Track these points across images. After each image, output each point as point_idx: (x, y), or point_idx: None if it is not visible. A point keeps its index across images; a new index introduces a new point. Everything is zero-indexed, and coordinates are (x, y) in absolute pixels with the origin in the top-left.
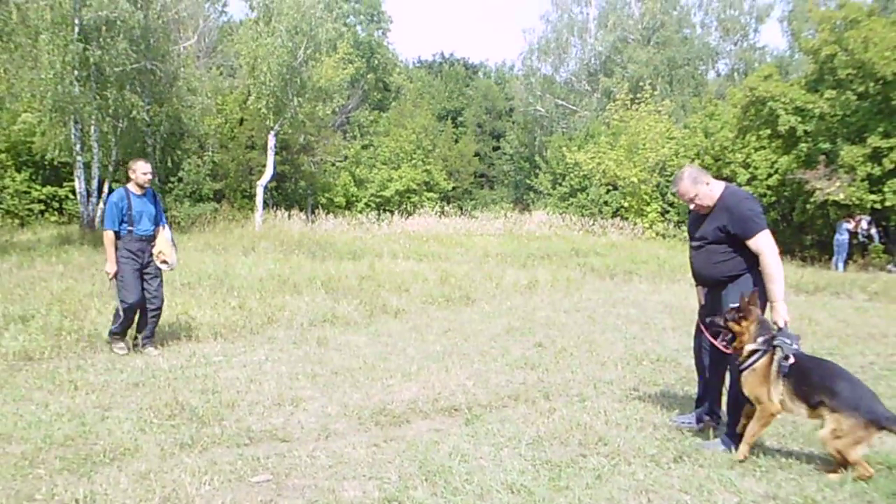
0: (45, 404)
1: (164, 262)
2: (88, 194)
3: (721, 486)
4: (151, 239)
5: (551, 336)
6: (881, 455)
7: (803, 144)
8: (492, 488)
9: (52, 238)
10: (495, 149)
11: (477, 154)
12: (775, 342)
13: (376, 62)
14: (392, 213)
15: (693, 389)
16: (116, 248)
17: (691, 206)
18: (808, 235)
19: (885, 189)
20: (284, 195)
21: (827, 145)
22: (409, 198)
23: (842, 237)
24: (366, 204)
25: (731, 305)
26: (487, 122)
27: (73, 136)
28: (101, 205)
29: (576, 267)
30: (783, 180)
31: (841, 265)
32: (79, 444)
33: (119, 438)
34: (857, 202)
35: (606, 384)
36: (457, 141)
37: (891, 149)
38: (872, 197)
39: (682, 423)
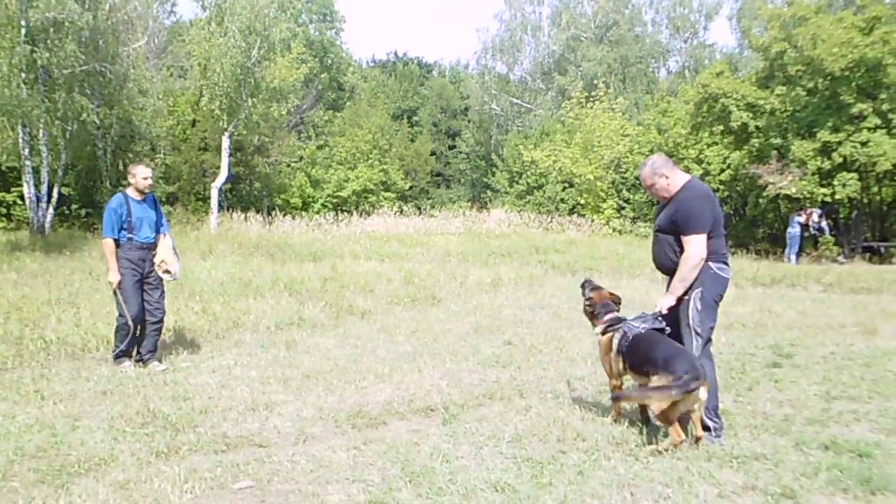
0: (11, 415)
1: (167, 271)
2: (38, 199)
3: (701, 479)
4: (153, 247)
5: (520, 334)
6: (851, 443)
7: (755, 140)
8: (476, 487)
9: (1, 245)
10: (451, 148)
11: (433, 153)
12: (621, 324)
13: (330, 62)
14: (350, 213)
15: None
16: (116, 257)
17: (649, 193)
18: (760, 229)
19: (835, 182)
20: (239, 197)
21: (778, 140)
22: (366, 198)
23: (793, 230)
24: (322, 205)
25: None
26: (443, 121)
27: (20, 141)
28: (50, 210)
29: (537, 264)
30: (736, 175)
31: (794, 258)
32: (51, 455)
33: (92, 448)
34: (808, 196)
35: (578, 380)
36: (413, 140)
37: (840, 143)
38: (823, 190)
39: None
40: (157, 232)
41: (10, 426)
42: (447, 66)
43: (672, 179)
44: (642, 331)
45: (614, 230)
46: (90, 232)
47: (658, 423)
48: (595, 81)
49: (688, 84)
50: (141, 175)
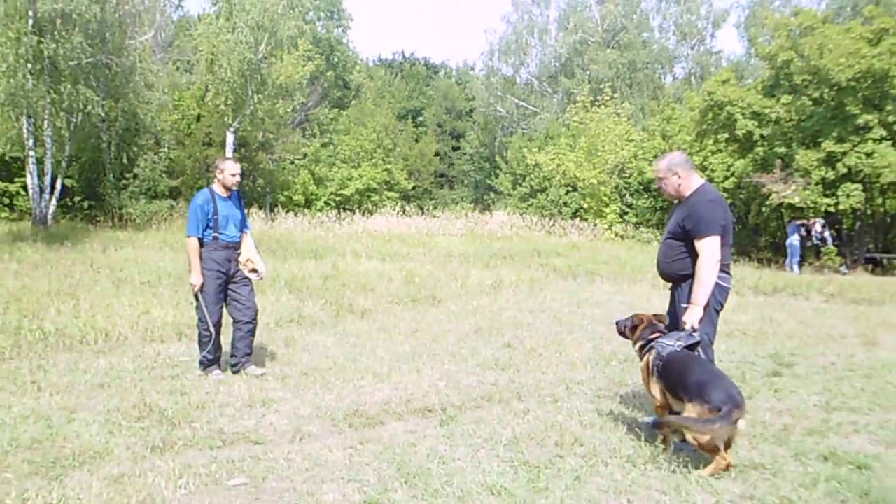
0: (7, 406)
1: (254, 270)
2: (41, 190)
3: (698, 487)
4: (238, 246)
5: (519, 336)
6: (850, 455)
7: (759, 148)
8: (472, 490)
9: (3, 235)
10: (455, 149)
11: (437, 154)
12: (654, 343)
13: (336, 60)
14: (352, 211)
15: None
16: (200, 258)
17: (656, 184)
18: (762, 237)
19: (839, 193)
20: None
21: (782, 149)
22: (369, 197)
23: (792, 240)
24: (325, 202)
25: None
26: (448, 121)
27: (25, 131)
28: (53, 201)
29: (538, 267)
30: (739, 183)
31: (796, 267)
32: (46, 447)
33: (88, 441)
34: (812, 205)
35: (577, 384)
36: (417, 140)
37: (844, 153)
38: (826, 200)
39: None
40: (242, 231)
41: (5, 417)
42: (454, 67)
43: (685, 181)
44: (676, 349)
45: (617, 235)
46: (92, 224)
47: (698, 450)
48: (601, 86)
49: (693, 91)
50: (230, 171)
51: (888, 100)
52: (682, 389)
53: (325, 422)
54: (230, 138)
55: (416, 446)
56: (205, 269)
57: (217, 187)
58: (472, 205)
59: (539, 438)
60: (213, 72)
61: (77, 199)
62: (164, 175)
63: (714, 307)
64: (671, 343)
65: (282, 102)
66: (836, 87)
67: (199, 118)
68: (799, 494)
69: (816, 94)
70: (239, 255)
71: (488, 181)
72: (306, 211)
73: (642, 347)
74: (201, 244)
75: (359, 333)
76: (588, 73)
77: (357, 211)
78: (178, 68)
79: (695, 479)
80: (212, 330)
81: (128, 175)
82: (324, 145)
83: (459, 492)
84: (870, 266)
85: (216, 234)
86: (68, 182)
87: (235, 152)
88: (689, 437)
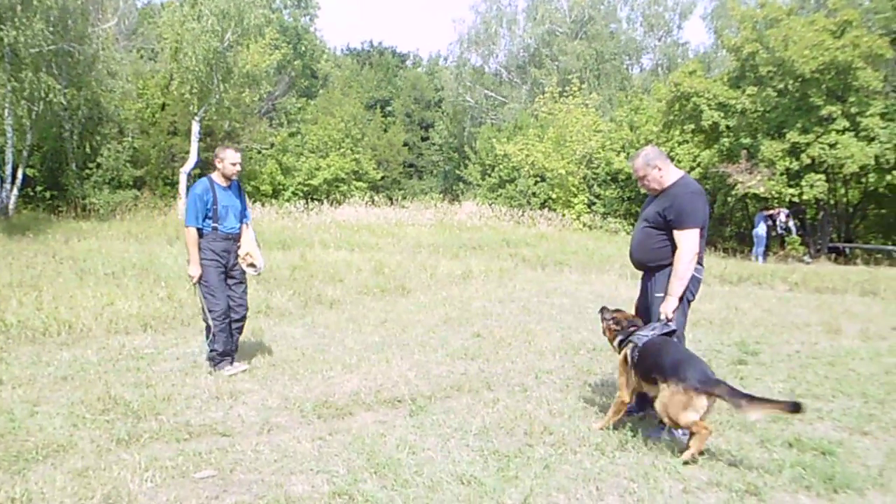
0: None
1: (252, 265)
2: (2, 180)
3: (666, 474)
4: (237, 238)
5: (489, 326)
6: (814, 441)
7: (725, 139)
8: (442, 480)
9: None
10: (424, 139)
11: (406, 144)
12: (631, 336)
13: (303, 49)
14: (321, 202)
15: None
16: (198, 248)
17: (640, 185)
18: (728, 227)
19: (803, 183)
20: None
21: (748, 140)
22: (337, 187)
23: (759, 230)
24: (293, 193)
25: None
26: (416, 111)
27: None
28: (14, 191)
29: (507, 257)
30: (705, 174)
31: (761, 257)
32: (8, 440)
33: (51, 434)
34: (777, 195)
35: (546, 374)
36: (386, 130)
37: (808, 144)
38: (791, 191)
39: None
40: (242, 222)
41: None
42: (422, 56)
43: (665, 171)
44: (651, 337)
45: (585, 225)
46: (55, 214)
47: (670, 424)
48: (569, 76)
49: (660, 82)
50: (230, 160)
51: (851, 91)
52: (657, 371)
53: (294, 413)
54: (195, 127)
55: (385, 437)
56: (204, 259)
57: (217, 176)
58: (441, 195)
59: (508, 427)
60: (178, 60)
61: (39, 189)
62: (127, 165)
63: (687, 298)
64: (647, 333)
65: (248, 91)
66: (800, 79)
67: (163, 107)
68: (765, 480)
69: (781, 86)
70: (238, 247)
71: (457, 171)
72: (274, 201)
73: (621, 342)
74: (200, 235)
75: (327, 324)
76: (556, 63)
77: (325, 201)
78: (142, 56)
79: (662, 466)
80: (220, 319)
81: (91, 165)
82: (291, 135)
83: (429, 481)
84: (833, 255)
85: (215, 225)
86: (30, 172)
87: (201, 141)
88: (661, 416)
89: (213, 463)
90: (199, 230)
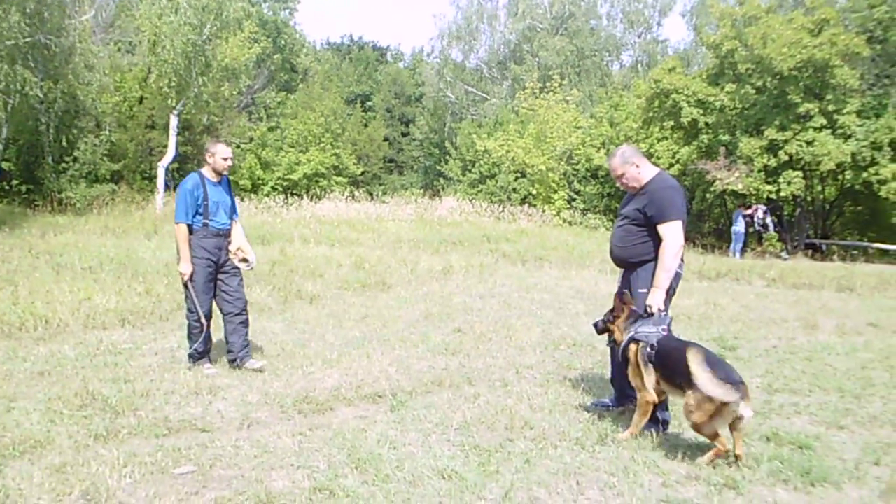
0: None
1: (244, 259)
2: None
3: (646, 468)
4: (228, 234)
5: (469, 321)
6: (791, 435)
7: (704, 136)
8: (423, 475)
9: None
10: (405, 134)
11: (386, 139)
12: (636, 335)
13: (283, 42)
14: (300, 196)
15: (609, 373)
16: (189, 245)
17: (618, 184)
18: (706, 223)
19: (781, 180)
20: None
21: (726, 137)
22: (317, 182)
23: (738, 227)
24: (272, 187)
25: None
26: (397, 106)
27: None
28: None
29: (488, 253)
30: (684, 170)
31: (738, 253)
32: None
33: (28, 430)
34: (755, 192)
35: (527, 369)
36: (366, 125)
37: (786, 141)
38: (769, 187)
39: (602, 405)
40: (231, 218)
41: None
42: (405, 52)
43: (643, 169)
44: (662, 333)
45: (565, 221)
46: (31, 208)
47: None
48: (550, 73)
49: (640, 79)
50: (221, 154)
51: (828, 89)
52: (681, 376)
53: (274, 408)
54: (174, 121)
55: (366, 432)
56: (194, 258)
57: (207, 172)
58: (422, 190)
59: (489, 422)
60: (156, 53)
61: (15, 182)
62: (105, 158)
63: (671, 291)
64: (653, 330)
65: (227, 85)
66: (778, 76)
67: (141, 100)
68: (743, 474)
69: (760, 83)
70: (229, 243)
71: (438, 167)
72: (253, 196)
73: (630, 340)
74: (190, 231)
75: (307, 319)
76: (537, 59)
77: (305, 196)
78: (119, 49)
79: (642, 460)
80: (203, 321)
81: (67, 158)
82: (270, 129)
83: (410, 476)
84: (809, 252)
85: (206, 221)
86: (5, 165)
87: (179, 135)
88: (689, 423)
89: (193, 459)
90: (190, 227)
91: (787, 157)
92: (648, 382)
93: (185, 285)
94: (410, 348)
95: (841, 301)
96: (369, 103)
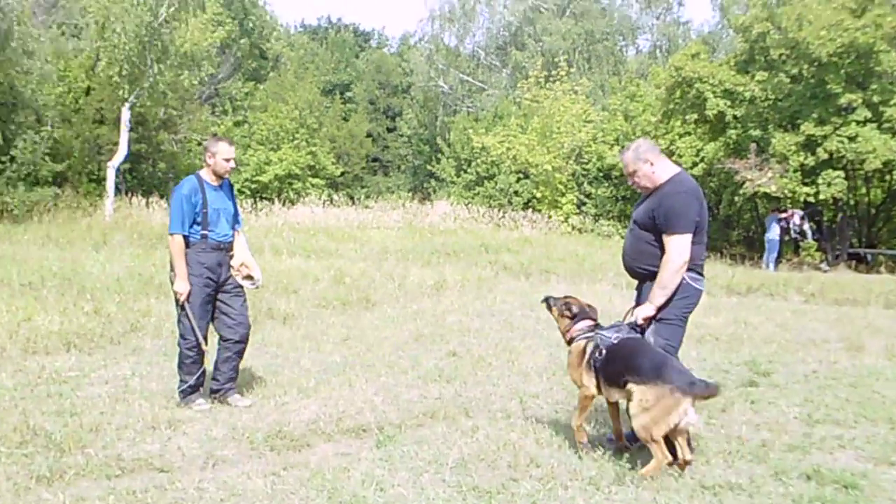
0: None
1: (249, 277)
2: None
3: None
4: (230, 247)
5: (466, 344)
6: (835, 472)
7: (732, 131)
8: None
9: None
10: (390, 130)
11: (369, 135)
12: (594, 333)
13: (251, 25)
14: (271, 201)
15: None
16: (186, 261)
17: (630, 182)
18: (735, 231)
19: (820, 181)
20: (141, 179)
21: (757, 132)
22: (290, 184)
23: (772, 234)
24: (239, 190)
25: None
26: (381, 98)
27: None
28: None
29: (486, 265)
30: (709, 170)
31: (772, 264)
32: None
33: None
34: (790, 195)
35: (532, 398)
36: (346, 119)
37: (825, 137)
38: (805, 189)
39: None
40: (234, 228)
41: None
42: (388, 35)
43: (658, 167)
44: (615, 341)
45: (574, 228)
46: None
47: (643, 439)
48: (556, 59)
49: (659, 66)
50: (223, 154)
51: (873, 77)
52: (632, 373)
53: (243, 444)
54: (126, 115)
55: (349, 471)
56: (191, 275)
57: (206, 174)
58: (411, 194)
59: (490, 460)
60: (106, 37)
61: None
62: (46, 158)
63: (683, 311)
64: (610, 335)
65: (187, 74)
66: (816, 63)
67: (88, 91)
68: None
69: (795, 71)
70: (231, 257)
71: (428, 167)
72: None
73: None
74: (187, 244)
75: (280, 342)
76: (541, 44)
77: (276, 200)
78: (63, 33)
79: (665, 501)
80: (203, 348)
81: (3, 158)
82: (237, 124)
83: None
84: (853, 262)
85: (205, 232)
86: None
87: (132, 131)
88: (635, 424)
89: (150, 503)
90: (186, 238)
91: (826, 155)
92: (587, 379)
93: (182, 306)
94: (399, 375)
95: (889, 319)
96: (350, 94)
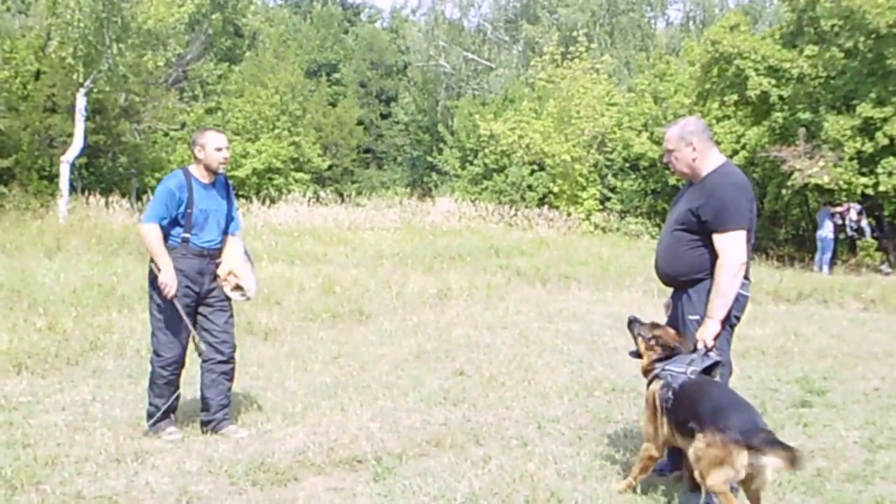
0: None
1: (238, 287)
2: None
3: None
4: (217, 254)
5: (475, 361)
6: None
7: (778, 114)
8: None
9: None
10: (385, 116)
11: (361, 122)
12: (660, 371)
13: None
14: (249, 199)
15: None
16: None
17: (665, 160)
18: (782, 228)
19: (879, 170)
20: (99, 175)
21: (807, 115)
22: (271, 179)
23: (825, 232)
24: None
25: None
26: (374, 80)
27: None
28: None
29: (497, 270)
30: (752, 158)
31: (826, 266)
32: None
33: None
34: (845, 186)
35: (552, 422)
36: (334, 105)
37: (885, 120)
38: (863, 180)
39: (656, 469)
40: (227, 232)
41: None
42: (383, 9)
43: (701, 154)
44: (690, 376)
45: (596, 227)
46: None
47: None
48: (574, 33)
49: (693, 40)
50: (213, 144)
51: None
52: (693, 419)
53: (221, 479)
54: (81, 102)
55: None
56: (169, 285)
57: (196, 170)
58: (409, 189)
59: (504, 494)
60: (57, 14)
61: None
62: None
63: (730, 322)
64: (681, 369)
65: (151, 54)
66: (874, 35)
67: (38, 76)
68: None
69: (849, 45)
70: (217, 265)
71: (429, 158)
72: None
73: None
74: (167, 248)
75: (261, 361)
76: (556, 16)
77: (255, 198)
78: (9, 9)
79: None
80: (169, 367)
81: None
82: (209, 111)
83: None
84: None
85: (186, 236)
86: None
87: (88, 121)
88: (695, 473)
89: None
90: (165, 237)
91: (886, 141)
92: (659, 433)
93: (171, 303)
94: (398, 398)
95: None
96: (337, 76)
